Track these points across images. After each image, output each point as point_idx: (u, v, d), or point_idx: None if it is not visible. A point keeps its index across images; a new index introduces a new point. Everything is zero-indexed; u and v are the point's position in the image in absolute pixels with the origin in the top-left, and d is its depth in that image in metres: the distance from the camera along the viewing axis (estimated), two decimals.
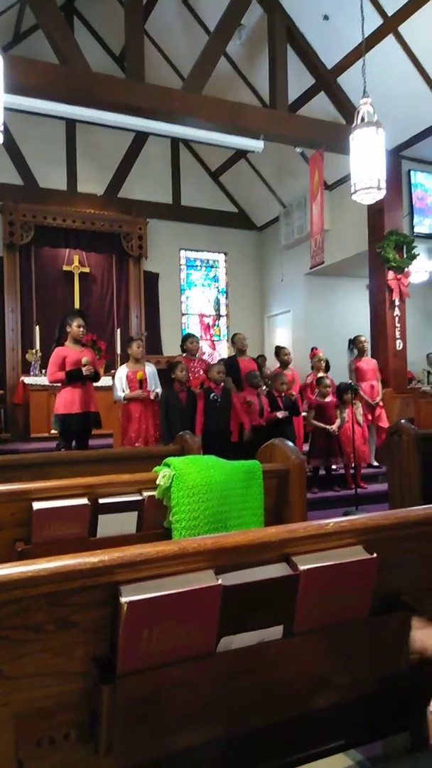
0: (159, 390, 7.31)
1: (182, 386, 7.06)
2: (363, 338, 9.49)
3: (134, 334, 13.03)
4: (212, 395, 7.05)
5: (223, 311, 15.33)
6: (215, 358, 13.68)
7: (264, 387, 7.89)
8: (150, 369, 7.41)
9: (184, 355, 8.10)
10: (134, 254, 13.66)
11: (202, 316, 15.13)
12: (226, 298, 15.32)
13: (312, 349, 9.68)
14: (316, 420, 8.09)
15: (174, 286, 14.64)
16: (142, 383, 7.22)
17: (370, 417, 8.98)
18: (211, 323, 15.21)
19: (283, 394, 7.73)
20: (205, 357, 12.19)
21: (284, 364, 9.03)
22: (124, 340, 12.50)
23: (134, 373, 7.33)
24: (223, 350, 14.97)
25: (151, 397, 7.03)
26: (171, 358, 8.55)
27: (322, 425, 8.05)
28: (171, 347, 13.30)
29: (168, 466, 3.45)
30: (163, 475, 3.42)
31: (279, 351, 9.23)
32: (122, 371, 7.44)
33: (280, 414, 7.40)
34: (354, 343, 9.39)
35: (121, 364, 7.89)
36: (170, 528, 3.32)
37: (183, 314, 14.85)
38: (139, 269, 13.83)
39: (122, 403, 7.30)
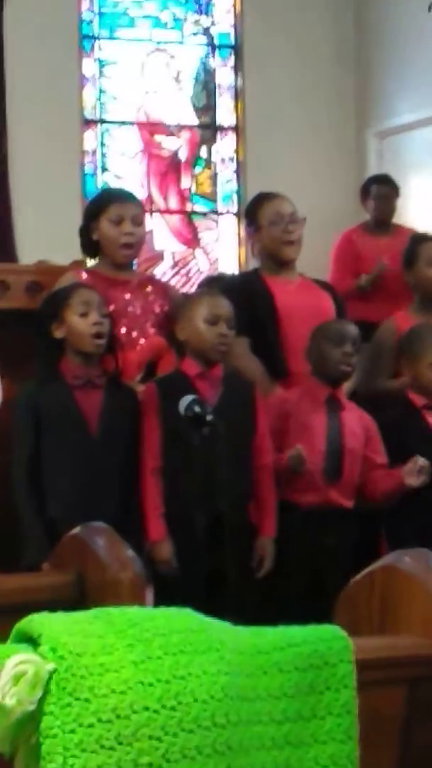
0: None
1: (86, 364, 2.86)
2: None
3: None
4: (189, 402, 2.59)
5: (225, 114, 6.11)
6: (198, 277, 5.93)
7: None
8: None
9: (93, 262, 3.45)
10: None
11: (153, 127, 6.03)
12: (238, 71, 6.07)
13: None
14: None
15: (58, 21, 5.50)
16: None
17: None
18: (187, 156, 6.08)
19: None
20: (162, 272, 5.74)
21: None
22: None
23: None
24: (229, 247, 6.09)
25: None
26: (50, 274, 3.52)
27: None
28: (43, 236, 5.05)
29: (34, 643, 1.17)
30: (13, 674, 1.13)
31: (420, 244, 3.67)
32: None
33: (412, 479, 2.90)
34: None
35: None
36: None
37: (89, 121, 5.75)
38: None
39: None
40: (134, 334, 3.02)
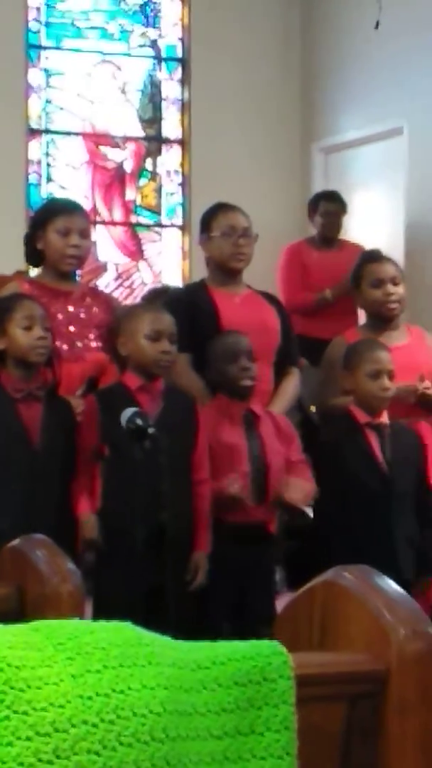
0: None
1: (27, 377, 2.71)
2: None
3: None
4: (131, 415, 2.51)
5: (171, 127, 5.87)
6: (141, 289, 5.71)
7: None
8: None
9: (37, 272, 3.38)
10: None
11: (98, 138, 5.78)
12: (184, 84, 5.88)
13: None
14: None
15: (4, 30, 5.40)
16: None
17: None
18: (132, 168, 5.77)
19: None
20: (105, 283, 5.57)
21: (385, 317, 3.36)
22: None
23: None
24: (173, 260, 5.96)
25: None
26: None
27: None
28: None
29: None
30: None
31: (365, 265, 3.47)
32: None
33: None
34: None
35: None
36: None
37: (34, 131, 5.59)
38: None
39: None
40: (77, 346, 2.96)
